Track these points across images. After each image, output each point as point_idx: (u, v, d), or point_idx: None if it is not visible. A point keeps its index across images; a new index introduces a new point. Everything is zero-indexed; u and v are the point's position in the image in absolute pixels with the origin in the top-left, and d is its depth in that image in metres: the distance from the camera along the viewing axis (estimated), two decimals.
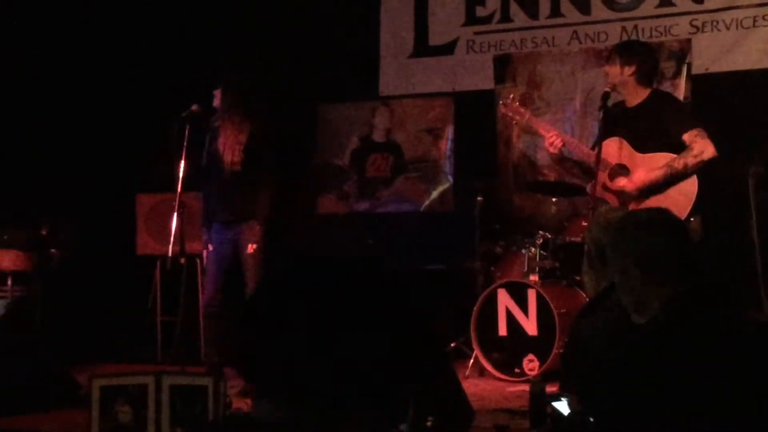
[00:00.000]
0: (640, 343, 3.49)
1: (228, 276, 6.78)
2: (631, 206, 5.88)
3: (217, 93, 6.81)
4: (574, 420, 3.57)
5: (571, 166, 6.46)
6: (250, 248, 6.62)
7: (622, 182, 5.97)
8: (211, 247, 6.85)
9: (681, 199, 5.84)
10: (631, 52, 6.09)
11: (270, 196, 6.78)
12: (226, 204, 6.75)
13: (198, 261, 7.28)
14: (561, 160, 6.45)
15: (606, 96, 6.11)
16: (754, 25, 7.78)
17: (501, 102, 6.75)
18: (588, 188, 6.09)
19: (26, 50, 8.18)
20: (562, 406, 3.63)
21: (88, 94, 8.46)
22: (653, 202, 5.87)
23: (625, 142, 6.03)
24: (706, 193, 5.85)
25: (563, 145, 6.16)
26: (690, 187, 5.85)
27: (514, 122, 6.88)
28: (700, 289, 2.93)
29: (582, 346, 3.78)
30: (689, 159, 5.84)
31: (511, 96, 6.97)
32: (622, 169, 6.03)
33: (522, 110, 6.54)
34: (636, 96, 6.08)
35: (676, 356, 2.79)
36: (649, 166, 5.90)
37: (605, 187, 6.02)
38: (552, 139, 6.15)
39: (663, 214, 3.36)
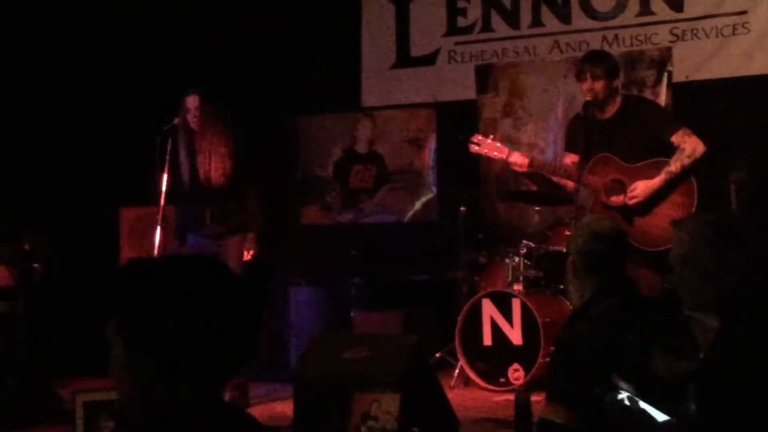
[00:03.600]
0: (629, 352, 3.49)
1: None
2: (636, 219, 5.93)
3: (190, 101, 6.73)
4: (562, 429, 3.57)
5: (542, 181, 6.57)
6: (247, 255, 6.61)
7: (620, 199, 6.02)
8: None
9: (684, 200, 5.96)
10: (595, 64, 6.13)
11: (261, 206, 6.77)
12: (213, 217, 6.72)
13: None
14: (539, 176, 6.53)
15: (587, 105, 6.15)
16: (733, 33, 7.81)
17: (471, 139, 6.71)
18: (589, 204, 6.18)
19: (4, 64, 8.14)
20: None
21: (71, 108, 8.42)
22: (660, 209, 5.95)
23: (611, 157, 6.09)
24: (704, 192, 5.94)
25: (529, 165, 6.28)
26: (689, 187, 5.98)
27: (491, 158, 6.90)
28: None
29: (568, 356, 3.77)
30: (684, 160, 5.93)
31: (482, 133, 6.98)
32: (618, 185, 6.07)
33: (499, 145, 6.57)
34: (609, 106, 6.14)
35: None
36: (645, 177, 5.96)
37: (605, 206, 6.07)
38: (518, 160, 6.27)
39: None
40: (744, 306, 2.84)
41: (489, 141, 6.60)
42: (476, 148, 6.65)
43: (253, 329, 2.09)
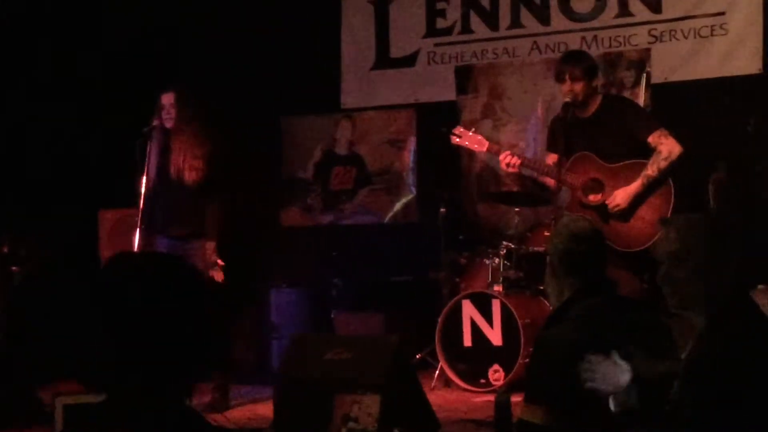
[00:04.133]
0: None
1: None
2: (612, 221, 5.96)
3: (165, 98, 6.64)
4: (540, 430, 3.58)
5: (530, 183, 6.59)
6: (218, 275, 6.48)
7: (598, 197, 6.05)
8: None
9: (662, 202, 6.01)
10: (575, 65, 6.15)
11: (221, 211, 6.67)
12: (182, 219, 6.63)
13: None
14: (520, 177, 6.56)
15: (567, 106, 6.18)
16: (711, 35, 7.83)
17: (453, 131, 6.73)
18: (566, 202, 6.20)
19: None
20: None
21: (50, 110, 8.39)
22: (638, 212, 5.99)
23: (590, 156, 6.12)
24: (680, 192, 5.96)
25: (521, 164, 6.25)
26: (667, 189, 6.03)
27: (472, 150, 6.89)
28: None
29: (547, 357, 3.78)
30: (661, 163, 5.96)
31: (463, 125, 7.01)
32: (597, 184, 6.09)
33: (480, 137, 6.58)
34: (589, 105, 6.17)
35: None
36: (623, 177, 5.99)
37: (581, 204, 6.09)
38: (507, 158, 6.23)
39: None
40: (734, 304, 2.86)
41: (470, 133, 6.63)
42: (457, 140, 6.66)
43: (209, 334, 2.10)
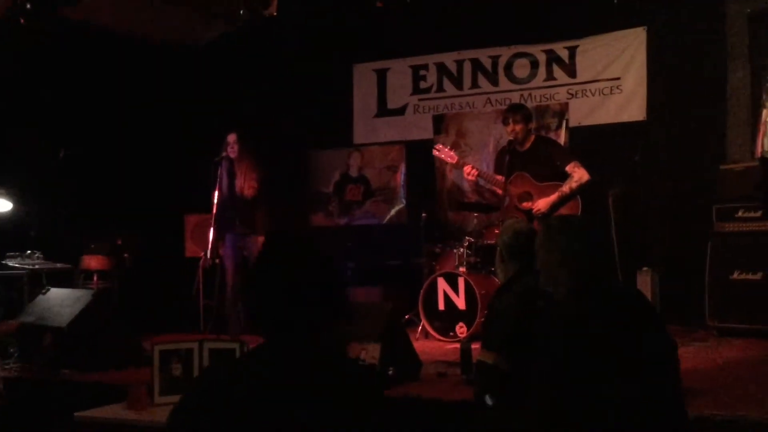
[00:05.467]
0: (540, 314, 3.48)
1: (242, 270, 6.73)
2: (536, 222, 5.95)
3: (230, 137, 6.71)
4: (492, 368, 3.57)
5: (486, 192, 6.58)
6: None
7: (528, 204, 6.05)
8: (229, 252, 6.77)
9: (571, 212, 5.95)
10: (516, 113, 6.13)
11: (268, 216, 6.71)
12: (242, 221, 6.69)
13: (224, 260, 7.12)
14: (478, 188, 6.55)
15: (511, 143, 6.19)
16: (611, 93, 7.86)
17: (434, 147, 6.75)
18: (504, 205, 6.19)
19: (112, 111, 8.10)
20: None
21: (155, 140, 8.40)
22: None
23: (527, 175, 6.11)
24: (584, 208, 5.95)
25: (478, 175, 6.23)
26: (575, 203, 6.00)
27: (446, 162, 6.88)
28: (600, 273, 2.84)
29: (496, 316, 3.78)
30: (573, 184, 5.95)
31: (441, 143, 7.01)
32: (528, 195, 6.10)
33: (452, 153, 6.58)
34: (526, 142, 6.16)
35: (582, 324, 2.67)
36: (547, 192, 5.99)
37: (516, 207, 6.10)
38: (468, 170, 6.22)
39: (573, 221, 3.33)
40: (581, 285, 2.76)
41: (447, 149, 6.61)
42: (437, 153, 6.64)
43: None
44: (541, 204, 6.00)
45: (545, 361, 2.61)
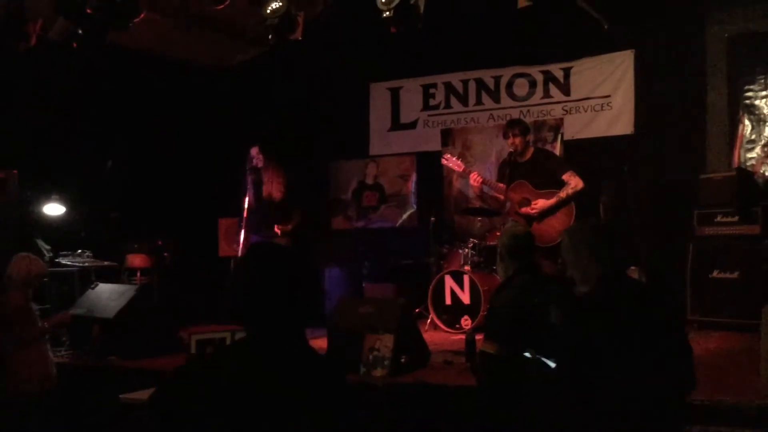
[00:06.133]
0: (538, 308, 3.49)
1: None
2: (534, 224, 5.95)
3: (253, 150, 6.73)
4: (493, 357, 3.58)
5: (488, 198, 6.58)
6: None
7: (527, 209, 6.04)
8: None
9: (565, 217, 5.95)
10: (515, 128, 6.14)
11: (298, 219, 6.74)
12: (270, 224, 6.71)
13: None
14: (481, 194, 6.55)
15: (511, 154, 6.19)
16: (602, 109, 7.84)
17: (443, 156, 6.76)
18: (505, 210, 6.19)
19: (153, 127, 8.16)
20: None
21: (188, 154, 8.46)
22: (550, 220, 5.97)
23: (526, 183, 6.11)
24: (577, 213, 5.94)
25: (483, 182, 6.24)
26: (570, 208, 5.99)
27: (453, 171, 6.88)
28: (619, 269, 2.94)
29: (498, 311, 3.78)
30: (568, 190, 5.94)
31: (449, 154, 7.02)
32: (527, 201, 6.09)
33: (459, 162, 6.59)
34: (526, 153, 6.16)
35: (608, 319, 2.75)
36: (544, 198, 5.98)
37: (516, 212, 6.09)
38: (474, 176, 6.23)
39: (592, 223, 3.34)
40: (601, 281, 2.82)
41: (454, 158, 6.63)
42: (445, 162, 6.66)
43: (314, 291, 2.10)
44: (539, 205, 5.99)
45: (575, 335, 2.71)
